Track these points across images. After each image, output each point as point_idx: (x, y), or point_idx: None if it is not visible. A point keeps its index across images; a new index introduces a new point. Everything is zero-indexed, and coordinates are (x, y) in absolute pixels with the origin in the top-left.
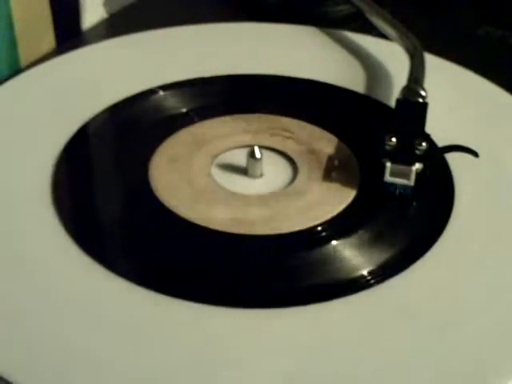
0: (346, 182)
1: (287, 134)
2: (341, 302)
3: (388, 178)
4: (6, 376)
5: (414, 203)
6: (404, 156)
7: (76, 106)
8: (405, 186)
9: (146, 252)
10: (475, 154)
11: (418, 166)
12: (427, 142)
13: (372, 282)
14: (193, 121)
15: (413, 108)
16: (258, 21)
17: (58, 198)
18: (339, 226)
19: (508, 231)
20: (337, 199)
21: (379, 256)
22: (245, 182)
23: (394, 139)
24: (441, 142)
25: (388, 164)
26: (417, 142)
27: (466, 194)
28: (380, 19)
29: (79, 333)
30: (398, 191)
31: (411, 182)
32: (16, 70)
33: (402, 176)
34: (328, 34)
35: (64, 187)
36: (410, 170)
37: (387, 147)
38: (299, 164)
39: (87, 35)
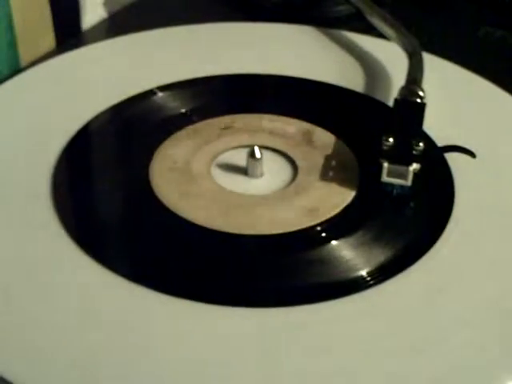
0: (345, 182)
1: (286, 133)
2: (340, 303)
3: (385, 178)
4: (6, 376)
5: (414, 203)
6: (401, 156)
7: (76, 106)
8: (402, 186)
9: (145, 252)
10: (472, 155)
11: (415, 166)
12: (425, 143)
13: (371, 282)
14: (192, 121)
15: (411, 108)
16: (257, 21)
17: (58, 198)
18: (338, 226)
19: (508, 231)
20: (336, 199)
21: (378, 256)
22: (245, 182)
23: (391, 139)
24: (440, 142)
25: (385, 164)
26: (414, 142)
27: (466, 194)
28: (379, 19)
29: (79, 332)
30: (395, 191)
31: (408, 182)
32: (16, 70)
33: (399, 176)
34: (328, 34)
35: (64, 187)
36: (407, 171)
37: (384, 147)
38: (299, 164)
39: (87, 35)
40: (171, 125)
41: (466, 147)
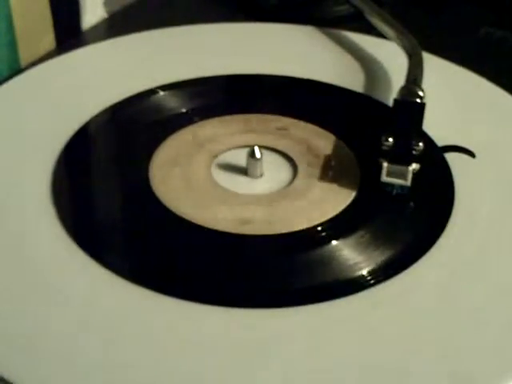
0: (345, 182)
1: (286, 133)
2: (341, 302)
3: (385, 178)
4: (6, 376)
5: (414, 203)
6: (401, 156)
7: (76, 106)
8: (402, 186)
9: (145, 252)
10: (472, 155)
11: (414, 166)
12: (424, 142)
13: (372, 282)
14: (193, 121)
15: (410, 108)
16: (257, 21)
17: (57, 197)
18: (339, 226)
19: (508, 231)
20: (336, 199)
21: (379, 256)
22: (245, 182)
23: (390, 139)
24: (440, 142)
25: (385, 164)
26: (414, 142)
27: (466, 193)
28: (379, 19)
29: (79, 332)
30: (394, 191)
31: (408, 183)
32: (16, 70)
33: (398, 176)
34: (328, 34)
35: (64, 187)
36: (407, 170)
37: (384, 147)
38: (299, 164)
39: (87, 35)
40: (171, 124)
41: (465, 147)
